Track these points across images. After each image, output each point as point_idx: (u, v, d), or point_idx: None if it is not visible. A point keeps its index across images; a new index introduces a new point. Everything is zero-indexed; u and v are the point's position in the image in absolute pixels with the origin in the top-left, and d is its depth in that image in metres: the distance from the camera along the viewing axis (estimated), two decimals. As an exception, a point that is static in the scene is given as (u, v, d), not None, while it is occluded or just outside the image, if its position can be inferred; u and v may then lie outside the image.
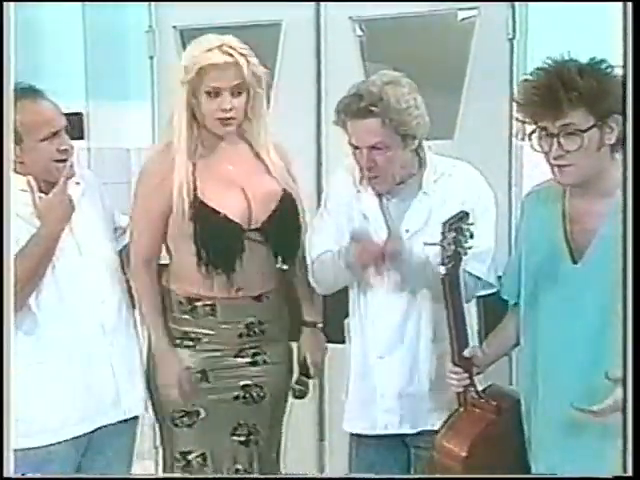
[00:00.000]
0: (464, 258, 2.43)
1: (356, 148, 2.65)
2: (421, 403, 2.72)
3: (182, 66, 2.73)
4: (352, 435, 2.87)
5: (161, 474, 3.17)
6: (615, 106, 2.15)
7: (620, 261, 2.05)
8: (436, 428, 2.61)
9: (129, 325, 2.85)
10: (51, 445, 2.65)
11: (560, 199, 2.39)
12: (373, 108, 2.57)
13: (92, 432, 2.74)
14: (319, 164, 3.99)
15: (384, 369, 2.74)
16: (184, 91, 2.73)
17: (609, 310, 2.16)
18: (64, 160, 2.63)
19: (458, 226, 2.40)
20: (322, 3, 3.94)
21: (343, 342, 2.90)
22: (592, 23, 3.24)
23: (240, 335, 2.86)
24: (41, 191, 2.61)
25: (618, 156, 2.25)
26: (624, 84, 1.32)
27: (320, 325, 3.00)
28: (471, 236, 2.41)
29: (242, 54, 2.72)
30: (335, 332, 2.99)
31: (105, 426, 2.76)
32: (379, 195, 2.74)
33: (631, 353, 1.31)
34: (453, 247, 2.39)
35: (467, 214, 2.42)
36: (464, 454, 2.41)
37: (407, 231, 2.68)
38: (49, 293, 2.64)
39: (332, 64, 3.91)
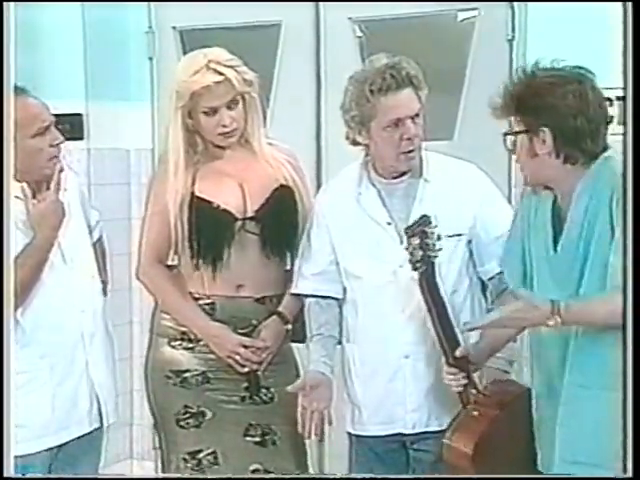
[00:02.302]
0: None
1: (395, 125, 2.60)
2: (447, 398, 2.64)
3: (174, 92, 2.76)
4: (352, 436, 2.85)
5: (161, 475, 3.16)
6: (545, 118, 2.23)
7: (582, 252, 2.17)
8: (436, 429, 2.62)
9: (105, 333, 2.83)
10: (29, 455, 2.57)
11: None
12: (412, 75, 2.60)
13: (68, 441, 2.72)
14: (319, 164, 3.99)
15: (411, 368, 2.70)
16: (179, 115, 2.77)
17: None
18: (56, 156, 2.60)
19: (421, 230, 2.39)
20: (322, 3, 3.95)
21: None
22: (592, 23, 3.25)
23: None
24: (33, 196, 2.58)
25: (573, 165, 2.26)
26: (624, 80, 1.32)
27: (289, 325, 2.89)
28: (439, 238, 2.41)
29: (229, 66, 2.73)
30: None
31: (82, 435, 2.74)
32: (380, 194, 2.71)
33: (631, 353, 1.32)
34: (421, 252, 2.39)
35: (428, 217, 2.41)
36: (470, 453, 2.41)
37: None
38: (34, 302, 2.61)
39: (332, 64, 3.91)
